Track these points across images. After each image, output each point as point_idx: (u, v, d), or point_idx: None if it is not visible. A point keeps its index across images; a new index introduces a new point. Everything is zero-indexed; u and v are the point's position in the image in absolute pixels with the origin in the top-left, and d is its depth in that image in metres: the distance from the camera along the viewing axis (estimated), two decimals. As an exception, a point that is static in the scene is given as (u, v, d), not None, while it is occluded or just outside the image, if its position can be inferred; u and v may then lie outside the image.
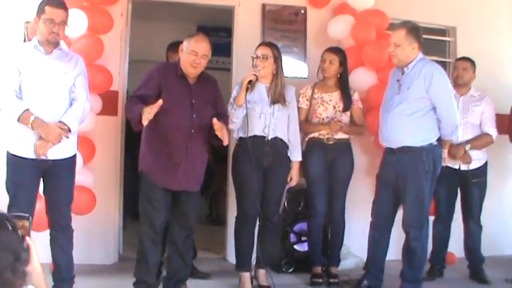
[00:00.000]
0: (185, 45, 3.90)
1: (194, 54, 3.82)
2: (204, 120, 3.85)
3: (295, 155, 4.45)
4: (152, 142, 3.87)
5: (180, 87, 3.87)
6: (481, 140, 4.81)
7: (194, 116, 3.84)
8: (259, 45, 4.46)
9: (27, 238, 1.98)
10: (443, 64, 5.33)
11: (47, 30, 3.62)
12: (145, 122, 3.56)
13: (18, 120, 3.54)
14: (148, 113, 3.55)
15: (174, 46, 4.47)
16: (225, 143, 3.86)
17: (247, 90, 4.17)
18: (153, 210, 3.84)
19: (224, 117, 4.03)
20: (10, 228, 1.73)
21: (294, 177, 4.46)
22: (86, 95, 3.79)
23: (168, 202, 3.89)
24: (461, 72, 4.87)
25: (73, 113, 3.71)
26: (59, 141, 3.62)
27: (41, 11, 3.63)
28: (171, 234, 4.01)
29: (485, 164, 4.90)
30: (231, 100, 4.26)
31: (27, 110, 3.54)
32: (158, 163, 3.83)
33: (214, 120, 3.73)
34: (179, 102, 3.82)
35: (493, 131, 4.82)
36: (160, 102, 3.58)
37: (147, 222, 3.86)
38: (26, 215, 2.02)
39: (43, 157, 3.58)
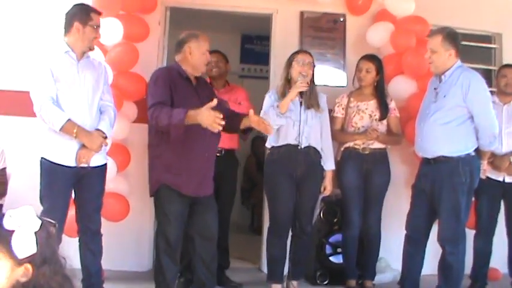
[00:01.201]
0: (194, 46, 3.82)
1: (207, 54, 3.84)
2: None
3: (329, 164, 4.37)
4: (167, 152, 3.73)
5: (187, 89, 3.81)
6: None
7: None
8: (299, 52, 4.38)
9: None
10: (489, 72, 5.15)
11: (94, 35, 3.70)
12: (216, 130, 3.40)
13: (60, 129, 3.55)
14: (213, 116, 3.33)
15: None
16: (271, 132, 3.78)
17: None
18: (168, 225, 3.75)
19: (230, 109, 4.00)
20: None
21: (328, 186, 4.37)
22: (113, 101, 3.84)
23: (184, 214, 3.80)
24: (510, 80, 4.69)
25: (107, 121, 3.75)
26: (101, 149, 3.65)
27: (86, 17, 3.68)
28: (193, 246, 3.92)
29: None
30: (272, 104, 4.18)
31: (70, 119, 3.56)
32: (177, 172, 3.72)
33: (251, 113, 3.63)
34: (191, 105, 3.68)
35: None
36: (215, 102, 3.43)
37: (162, 237, 3.78)
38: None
39: (84, 165, 3.61)
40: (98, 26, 3.72)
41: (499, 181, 4.59)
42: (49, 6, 4.93)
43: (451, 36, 3.93)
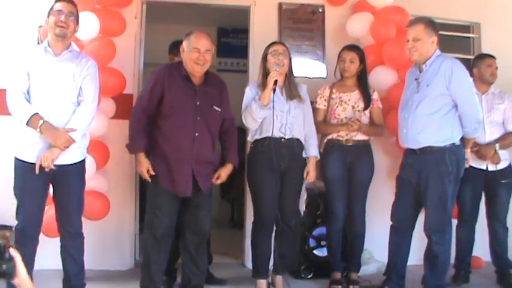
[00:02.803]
0: (185, 45, 3.82)
1: (197, 51, 3.74)
2: (210, 123, 3.78)
3: (312, 150, 4.29)
4: (157, 146, 3.77)
5: (184, 88, 3.79)
6: (507, 139, 4.65)
7: (198, 118, 3.75)
8: (273, 43, 4.32)
9: (11, 250, 1.89)
10: (468, 61, 5.15)
11: (54, 19, 3.57)
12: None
13: (27, 123, 3.48)
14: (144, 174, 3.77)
15: (175, 47, 4.37)
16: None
17: (274, 90, 4.06)
18: (155, 218, 3.76)
19: (229, 122, 4.00)
20: None
21: (311, 172, 4.26)
22: (92, 96, 3.69)
23: (173, 209, 3.79)
24: (495, 70, 4.73)
25: (79, 117, 3.63)
26: (67, 147, 3.55)
27: (50, 9, 3.62)
28: (183, 241, 3.91)
29: (510, 164, 4.73)
30: (254, 98, 4.12)
31: (37, 113, 3.48)
32: (164, 168, 3.74)
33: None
34: (183, 104, 3.74)
35: None
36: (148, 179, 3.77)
37: (149, 231, 3.80)
38: (10, 225, 1.93)
39: (47, 168, 3.51)
40: (59, 11, 3.57)
41: (481, 170, 4.60)
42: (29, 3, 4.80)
43: (432, 24, 3.94)
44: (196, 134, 3.74)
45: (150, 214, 3.80)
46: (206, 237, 3.96)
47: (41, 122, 3.47)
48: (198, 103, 3.74)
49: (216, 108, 3.86)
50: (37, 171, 3.47)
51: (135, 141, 3.80)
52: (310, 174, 4.27)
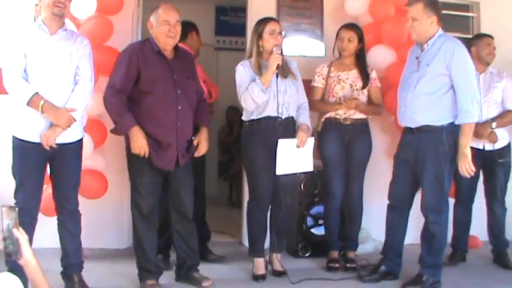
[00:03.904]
0: (153, 19, 3.78)
1: (167, 24, 3.72)
2: (189, 95, 3.80)
3: (303, 118, 4.23)
4: (141, 123, 3.72)
5: (159, 64, 3.76)
6: (506, 118, 4.63)
7: (179, 91, 3.75)
8: (267, 20, 4.22)
9: (15, 230, 1.90)
10: (467, 40, 5.12)
11: (52, 0, 3.53)
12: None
13: (27, 104, 3.47)
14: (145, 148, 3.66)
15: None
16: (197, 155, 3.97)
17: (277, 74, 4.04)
18: (140, 198, 3.80)
19: (201, 93, 4.03)
20: None
21: (303, 135, 4.10)
22: (89, 75, 3.70)
23: (157, 187, 3.83)
24: (493, 49, 4.70)
25: (78, 96, 3.63)
26: (69, 126, 3.55)
27: None
28: (171, 222, 3.96)
29: (509, 143, 4.71)
30: (253, 78, 4.07)
31: (37, 93, 3.47)
32: (150, 144, 3.71)
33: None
34: (161, 80, 3.71)
35: None
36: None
37: (136, 209, 3.84)
38: (14, 205, 1.93)
39: (48, 147, 3.51)
40: None
41: (478, 149, 4.59)
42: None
43: (432, 3, 3.89)
44: (179, 108, 3.74)
45: (135, 193, 3.83)
46: (190, 216, 3.96)
47: (42, 102, 3.46)
48: (175, 77, 3.72)
49: (191, 81, 3.89)
50: (47, 148, 3.49)
51: (123, 118, 3.68)
52: (302, 139, 4.09)
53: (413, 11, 3.89)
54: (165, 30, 3.71)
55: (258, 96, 4.00)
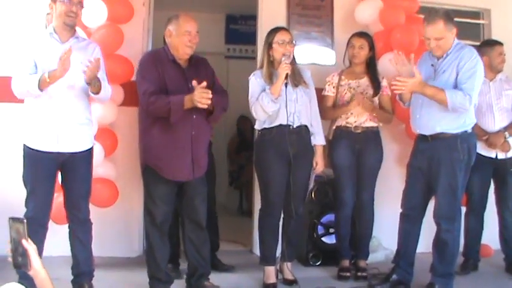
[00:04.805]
0: (172, 28, 3.76)
1: (188, 34, 3.72)
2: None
3: (318, 138, 4.29)
4: (154, 134, 3.73)
5: (175, 73, 3.76)
6: None
7: None
8: (277, 30, 4.22)
9: (24, 242, 1.90)
10: (476, 48, 5.10)
11: (64, 9, 3.54)
12: (203, 106, 3.53)
13: (39, 88, 3.41)
14: (201, 94, 3.50)
15: None
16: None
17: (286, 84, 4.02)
18: (154, 207, 3.78)
19: (221, 94, 3.88)
20: None
21: (320, 162, 4.28)
22: (106, 79, 3.73)
23: (171, 196, 3.82)
24: (504, 57, 4.69)
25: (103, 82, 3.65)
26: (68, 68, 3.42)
27: None
28: (183, 229, 3.95)
29: None
30: (263, 89, 4.07)
31: (42, 74, 3.42)
32: (164, 155, 3.71)
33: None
34: (176, 89, 3.68)
35: None
36: (204, 84, 3.52)
37: (149, 219, 3.83)
38: (22, 217, 1.94)
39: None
40: (70, 0, 3.55)
41: (490, 158, 4.57)
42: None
43: (449, 17, 3.85)
44: (194, 117, 3.72)
45: (149, 203, 3.82)
46: (204, 223, 3.95)
47: (46, 74, 3.40)
48: (190, 86, 3.65)
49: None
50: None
51: (171, 101, 3.59)
52: (319, 163, 4.29)
53: (435, 31, 3.81)
54: (186, 40, 3.72)
55: (268, 106, 4.00)
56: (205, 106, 3.54)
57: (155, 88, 3.66)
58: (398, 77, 3.79)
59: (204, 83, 3.52)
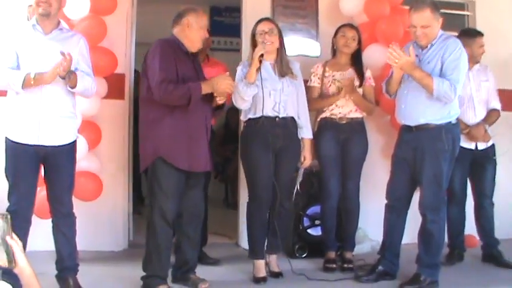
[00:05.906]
0: (193, 20, 3.79)
1: (205, 29, 3.84)
2: (209, 95, 3.78)
3: (306, 132, 4.28)
4: (168, 124, 3.68)
5: (187, 64, 3.80)
6: (494, 117, 4.68)
7: None
8: (260, 21, 4.23)
9: (8, 238, 1.86)
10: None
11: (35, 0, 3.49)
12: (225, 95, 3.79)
13: (22, 87, 3.38)
14: (228, 83, 3.74)
15: None
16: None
17: (259, 67, 4.01)
18: (166, 202, 3.69)
19: None
20: None
21: (308, 156, 4.29)
22: (88, 72, 3.67)
23: (181, 189, 3.77)
24: (483, 48, 4.70)
25: (81, 74, 3.58)
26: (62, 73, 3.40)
27: None
28: (180, 223, 3.88)
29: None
30: (242, 77, 4.07)
31: (28, 73, 3.38)
32: (179, 145, 3.68)
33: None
34: (190, 78, 3.72)
35: (498, 104, 4.70)
36: (227, 74, 3.82)
37: (159, 213, 3.70)
38: (5, 213, 1.89)
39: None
40: None
41: (471, 149, 4.60)
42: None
43: (436, 6, 3.87)
44: (206, 107, 3.79)
45: (161, 198, 3.70)
46: (202, 217, 3.95)
47: (32, 75, 3.37)
48: (199, 76, 3.77)
49: None
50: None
51: (188, 87, 3.62)
52: (307, 157, 4.30)
53: (422, 19, 3.82)
54: (203, 35, 3.82)
55: (243, 91, 3.98)
56: (225, 98, 3.71)
57: (172, 78, 3.66)
58: (394, 47, 3.76)
59: (227, 73, 3.74)
